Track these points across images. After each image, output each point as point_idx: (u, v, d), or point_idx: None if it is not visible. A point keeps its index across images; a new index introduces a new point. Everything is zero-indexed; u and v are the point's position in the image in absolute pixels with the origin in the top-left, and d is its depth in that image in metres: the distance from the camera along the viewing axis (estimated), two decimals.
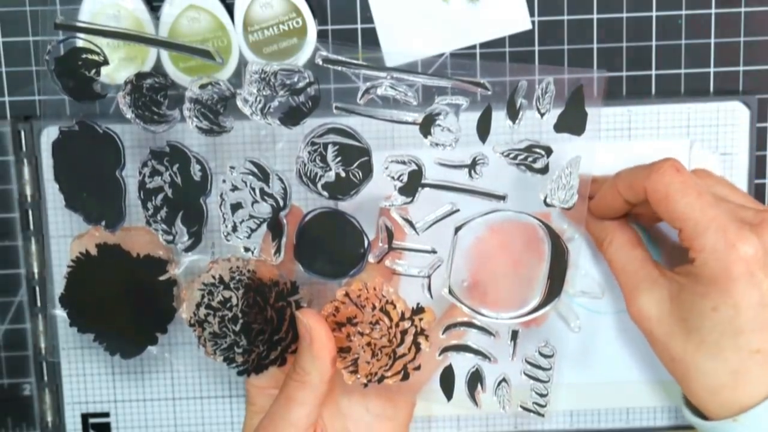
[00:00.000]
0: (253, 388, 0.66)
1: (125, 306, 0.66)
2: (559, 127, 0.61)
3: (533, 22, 0.68)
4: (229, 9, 0.67)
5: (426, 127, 0.61)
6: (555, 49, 0.69)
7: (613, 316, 0.72)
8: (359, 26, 0.68)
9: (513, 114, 0.61)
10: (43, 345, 0.71)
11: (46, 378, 0.72)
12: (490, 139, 0.61)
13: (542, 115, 0.61)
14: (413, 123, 0.61)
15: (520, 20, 0.68)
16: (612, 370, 0.72)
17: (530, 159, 0.62)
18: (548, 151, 0.62)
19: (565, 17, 0.69)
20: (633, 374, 0.72)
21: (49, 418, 0.72)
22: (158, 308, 0.66)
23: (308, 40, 0.66)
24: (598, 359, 0.72)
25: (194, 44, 0.63)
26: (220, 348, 0.66)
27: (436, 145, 0.62)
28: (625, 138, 0.69)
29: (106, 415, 0.73)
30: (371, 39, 0.69)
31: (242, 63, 0.67)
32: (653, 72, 0.69)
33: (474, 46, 0.69)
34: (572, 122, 0.61)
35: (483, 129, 0.61)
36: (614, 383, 0.72)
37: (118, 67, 0.67)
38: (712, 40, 0.69)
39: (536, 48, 0.69)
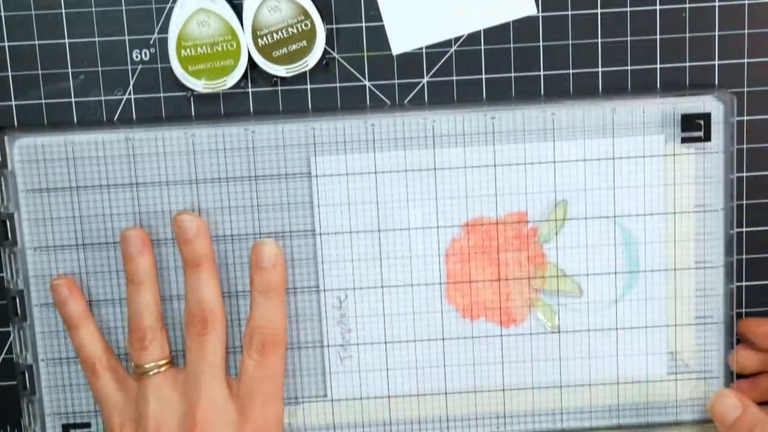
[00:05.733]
0: None
1: None
2: None
3: (538, 18, 0.71)
4: (239, 13, 0.69)
5: None
6: (559, 44, 0.72)
7: (595, 314, 0.74)
8: (363, 24, 0.71)
9: None
10: (22, 356, 0.73)
11: (27, 388, 0.74)
12: None
13: None
14: None
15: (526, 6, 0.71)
16: (597, 369, 0.75)
17: None
18: None
19: (569, 12, 0.72)
20: (620, 373, 0.75)
21: (31, 429, 0.74)
22: None
23: (317, 43, 0.69)
24: (582, 358, 0.75)
25: None
26: None
27: None
28: (607, 136, 0.72)
29: (87, 425, 0.75)
30: (374, 38, 0.72)
31: (251, 67, 0.70)
32: (658, 66, 0.72)
33: (479, 43, 0.72)
34: None
35: None
36: (600, 381, 0.75)
37: None
38: (717, 33, 0.72)
39: (541, 43, 0.72)
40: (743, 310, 0.75)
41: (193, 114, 0.72)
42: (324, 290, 0.73)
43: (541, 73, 0.72)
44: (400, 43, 0.72)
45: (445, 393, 0.75)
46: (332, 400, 0.75)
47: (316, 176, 0.72)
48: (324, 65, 0.71)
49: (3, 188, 0.71)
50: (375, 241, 0.73)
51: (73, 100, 0.71)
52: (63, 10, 0.70)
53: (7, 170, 0.71)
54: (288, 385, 0.74)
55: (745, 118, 0.73)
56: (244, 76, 0.71)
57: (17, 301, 0.73)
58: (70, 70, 0.71)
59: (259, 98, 0.72)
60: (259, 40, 0.69)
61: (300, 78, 0.71)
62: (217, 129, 0.71)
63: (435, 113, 0.71)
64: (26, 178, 0.71)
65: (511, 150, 0.72)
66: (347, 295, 0.73)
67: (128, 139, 0.71)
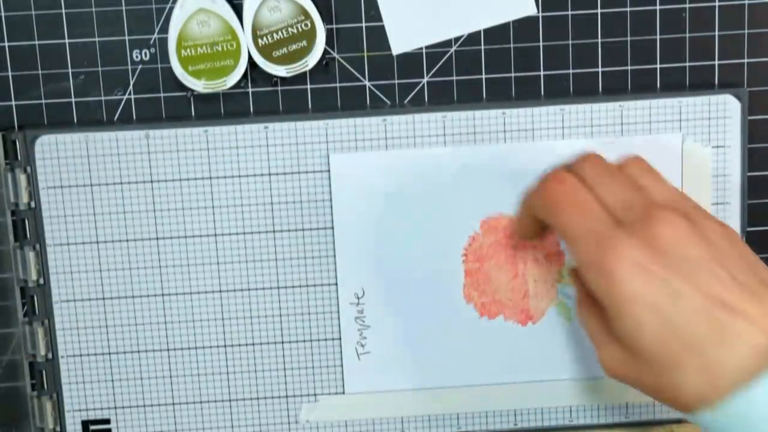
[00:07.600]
0: None
1: None
2: None
3: (538, 18, 0.72)
4: (239, 13, 0.70)
5: None
6: (559, 44, 0.73)
7: None
8: (363, 24, 0.72)
9: None
10: (42, 353, 0.74)
11: (46, 386, 0.75)
12: None
13: None
14: None
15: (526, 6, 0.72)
16: None
17: None
18: None
19: (569, 12, 0.73)
20: None
21: (50, 426, 0.75)
22: None
23: (317, 43, 0.70)
24: (592, 354, 0.75)
25: None
26: None
27: None
28: (618, 134, 0.73)
29: (107, 421, 0.76)
30: (374, 38, 0.73)
31: (251, 67, 0.71)
32: (658, 65, 0.73)
33: (479, 43, 0.72)
34: None
35: None
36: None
37: None
38: (717, 33, 0.73)
39: (540, 43, 0.73)
40: None
41: (193, 114, 0.73)
42: (341, 286, 0.74)
43: (541, 73, 0.73)
44: (400, 43, 0.73)
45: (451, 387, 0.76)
46: (349, 396, 0.75)
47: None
48: (324, 65, 0.72)
49: (24, 185, 0.73)
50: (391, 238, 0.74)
51: (73, 100, 0.72)
52: (63, 10, 0.71)
53: (26, 167, 0.72)
54: (305, 380, 0.75)
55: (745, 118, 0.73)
56: (244, 76, 0.71)
57: (35, 298, 0.74)
58: (70, 70, 0.72)
59: (259, 98, 0.73)
60: (259, 40, 0.70)
61: (300, 78, 0.72)
62: (236, 126, 0.72)
63: (449, 111, 0.72)
64: (47, 176, 0.72)
65: (525, 147, 0.73)
66: (365, 292, 0.74)
67: (147, 137, 0.72)
